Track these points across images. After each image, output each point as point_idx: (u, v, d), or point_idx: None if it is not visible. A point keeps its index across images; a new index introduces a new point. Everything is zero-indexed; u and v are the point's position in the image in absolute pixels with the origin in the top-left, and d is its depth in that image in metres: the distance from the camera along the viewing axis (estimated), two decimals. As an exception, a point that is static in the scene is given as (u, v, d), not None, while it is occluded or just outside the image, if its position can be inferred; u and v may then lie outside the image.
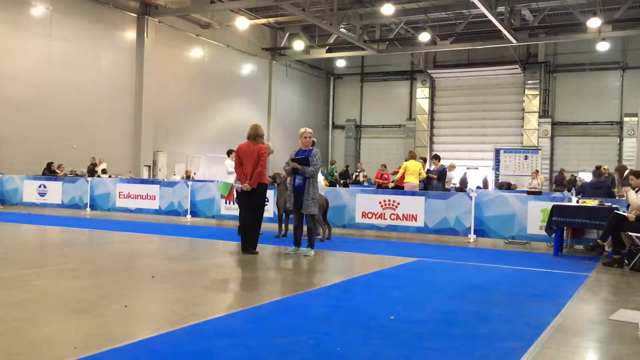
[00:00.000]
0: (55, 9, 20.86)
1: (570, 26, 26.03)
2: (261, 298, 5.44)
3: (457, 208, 10.81)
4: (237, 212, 10.54)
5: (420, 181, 13.84)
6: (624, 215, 8.08)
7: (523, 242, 10.49)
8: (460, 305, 5.31)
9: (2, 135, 19.11)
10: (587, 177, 25.57)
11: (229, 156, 11.61)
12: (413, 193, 11.76)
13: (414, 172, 13.47)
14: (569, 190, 14.03)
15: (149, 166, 24.61)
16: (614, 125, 29.99)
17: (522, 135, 31.33)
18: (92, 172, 19.73)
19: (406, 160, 14.19)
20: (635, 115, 27.80)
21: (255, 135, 8.31)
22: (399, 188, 13.87)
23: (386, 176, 18.90)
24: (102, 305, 4.87)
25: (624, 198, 8.81)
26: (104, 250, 8.57)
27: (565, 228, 9.51)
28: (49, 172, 18.39)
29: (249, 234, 8.21)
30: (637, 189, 8.50)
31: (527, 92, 31.15)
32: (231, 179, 10.69)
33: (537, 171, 23.07)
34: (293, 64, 33.68)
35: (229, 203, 12.79)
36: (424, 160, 15.41)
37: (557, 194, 12.77)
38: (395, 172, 15.36)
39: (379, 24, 29.01)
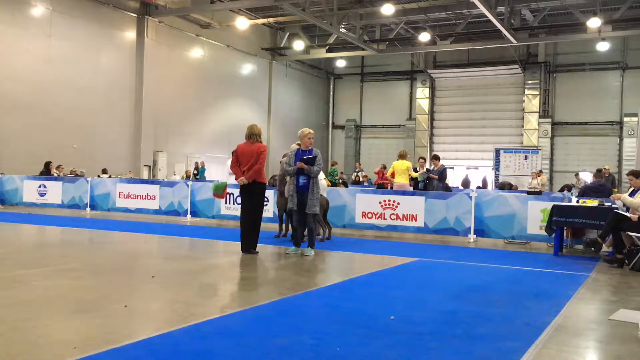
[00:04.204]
0: (55, 9, 20.86)
1: (570, 26, 26.02)
2: (261, 298, 5.44)
3: (457, 208, 10.81)
4: (237, 212, 10.54)
5: (420, 181, 13.85)
6: (625, 215, 8.08)
7: (523, 242, 10.50)
8: (460, 305, 5.30)
9: (2, 135, 19.10)
10: (586, 176, 25.58)
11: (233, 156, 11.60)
12: (413, 193, 11.76)
13: (402, 172, 13.51)
14: (569, 190, 14.03)
15: (149, 166, 24.60)
16: (614, 125, 29.98)
17: (522, 135, 31.33)
18: None
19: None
20: (635, 115, 27.80)
21: (251, 134, 8.34)
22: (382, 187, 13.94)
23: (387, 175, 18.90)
24: (102, 305, 4.87)
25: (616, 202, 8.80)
26: (104, 250, 8.57)
27: (565, 228, 9.52)
28: (47, 172, 18.36)
29: (249, 233, 8.21)
30: (633, 190, 8.50)
31: (527, 92, 31.14)
32: (233, 179, 10.69)
33: (541, 171, 23.06)
34: (293, 64, 33.67)
35: (228, 202, 12.81)
36: (424, 159, 15.39)
37: (557, 194, 12.77)
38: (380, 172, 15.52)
39: (379, 24, 29.02)
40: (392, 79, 35.59)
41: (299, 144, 8.63)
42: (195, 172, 23.84)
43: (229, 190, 11.11)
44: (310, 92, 35.77)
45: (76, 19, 21.55)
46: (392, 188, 14.53)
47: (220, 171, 26.01)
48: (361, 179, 24.77)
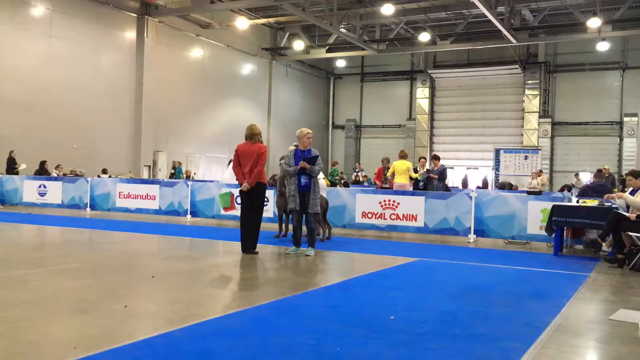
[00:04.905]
0: (55, 9, 20.86)
1: (570, 26, 26.03)
2: (261, 298, 5.43)
3: (457, 208, 10.80)
4: (237, 213, 10.53)
5: (420, 181, 13.85)
6: (625, 215, 8.07)
7: (523, 242, 10.49)
8: (460, 305, 5.30)
9: (2, 135, 19.11)
10: (586, 176, 25.58)
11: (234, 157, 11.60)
12: (413, 193, 11.76)
13: (402, 172, 13.52)
14: (569, 190, 14.03)
15: (149, 166, 24.61)
16: (614, 125, 29.99)
17: (522, 135, 31.34)
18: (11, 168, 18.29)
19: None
20: (635, 115, 27.80)
21: (251, 134, 8.32)
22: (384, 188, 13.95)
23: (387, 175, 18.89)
24: (102, 305, 4.87)
25: (616, 202, 8.80)
26: (104, 250, 8.57)
27: (565, 228, 9.51)
28: (42, 172, 18.38)
29: (249, 234, 8.21)
30: (632, 189, 8.49)
31: (527, 92, 31.15)
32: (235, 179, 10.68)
33: (541, 171, 23.07)
34: (293, 64, 33.67)
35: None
36: (425, 159, 15.41)
37: (557, 194, 12.76)
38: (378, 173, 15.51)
39: (379, 24, 29.02)
40: (392, 79, 35.60)
41: (296, 145, 8.62)
42: (173, 171, 23.84)
43: (229, 189, 11.12)
44: (310, 92, 35.78)
45: (76, 19, 21.55)
46: (379, 187, 14.56)
47: (221, 172, 26.02)
48: (361, 179, 24.76)
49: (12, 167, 18.07)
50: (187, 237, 10.51)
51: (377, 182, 15.52)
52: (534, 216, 10.15)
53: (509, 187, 21.30)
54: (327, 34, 28.66)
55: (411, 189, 13.44)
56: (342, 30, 26.65)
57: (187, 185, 13.75)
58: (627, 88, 29.61)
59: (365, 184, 24.22)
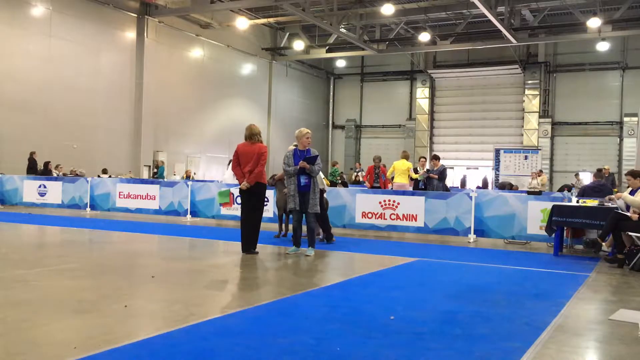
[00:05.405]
0: (55, 9, 20.86)
1: (570, 26, 26.02)
2: (261, 298, 5.44)
3: (457, 208, 10.81)
4: (237, 212, 10.54)
5: (420, 181, 13.87)
6: (625, 215, 8.07)
7: (523, 242, 10.49)
8: (460, 305, 5.30)
9: (2, 135, 19.10)
10: (586, 176, 25.57)
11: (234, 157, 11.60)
12: (413, 193, 11.76)
13: (402, 172, 13.54)
14: (569, 190, 14.03)
15: (149, 166, 24.60)
16: (614, 125, 29.98)
17: (522, 135, 31.33)
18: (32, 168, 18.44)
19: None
20: (635, 115, 27.80)
21: (251, 134, 8.32)
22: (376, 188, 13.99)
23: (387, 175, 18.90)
24: (102, 305, 4.87)
25: (615, 204, 8.78)
26: (104, 250, 8.57)
27: (565, 228, 9.52)
28: (45, 172, 18.39)
29: (249, 234, 8.21)
30: (632, 190, 8.48)
31: (527, 92, 31.14)
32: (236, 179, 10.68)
33: (541, 171, 23.07)
34: (293, 64, 33.67)
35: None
36: (425, 158, 15.44)
37: (557, 194, 12.77)
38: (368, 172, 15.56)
39: (379, 24, 29.01)
40: (392, 79, 35.60)
41: (295, 145, 8.62)
42: (155, 170, 23.80)
43: (228, 188, 11.12)
44: (310, 92, 35.77)
45: (76, 19, 21.55)
46: (369, 187, 14.57)
47: (221, 172, 26.02)
48: (361, 179, 24.74)
49: (32, 168, 18.15)
50: (187, 237, 10.52)
51: (367, 182, 15.56)
52: (534, 216, 10.14)
53: (509, 187, 21.30)
54: (327, 34, 28.65)
55: (411, 189, 13.45)
56: (342, 30, 26.65)
57: (187, 185, 13.75)
58: (627, 88, 29.60)
59: (365, 183, 24.21)
